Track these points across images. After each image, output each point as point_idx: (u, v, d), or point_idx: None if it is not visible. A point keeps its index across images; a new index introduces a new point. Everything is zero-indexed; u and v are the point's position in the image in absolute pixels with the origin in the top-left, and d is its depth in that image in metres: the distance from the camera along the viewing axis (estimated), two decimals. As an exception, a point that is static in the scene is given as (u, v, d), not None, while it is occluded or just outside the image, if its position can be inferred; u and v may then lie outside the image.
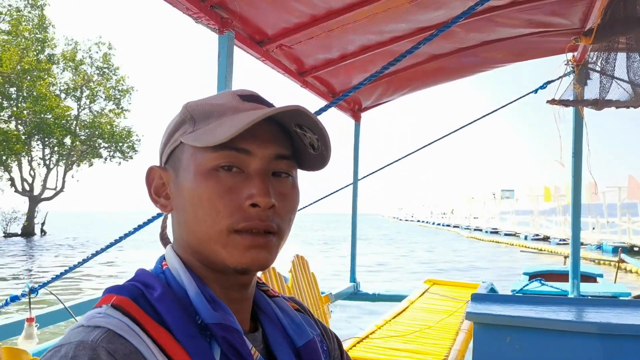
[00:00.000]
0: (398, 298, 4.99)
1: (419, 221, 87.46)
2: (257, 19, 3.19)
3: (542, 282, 5.68)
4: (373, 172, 5.66)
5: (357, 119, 5.65)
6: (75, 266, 3.25)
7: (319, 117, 2.81)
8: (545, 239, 34.29)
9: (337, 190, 5.51)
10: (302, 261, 2.62)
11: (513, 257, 23.37)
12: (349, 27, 3.54)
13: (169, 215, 0.81)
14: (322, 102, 4.63)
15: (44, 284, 3.36)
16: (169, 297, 0.69)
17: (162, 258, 0.78)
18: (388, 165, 5.41)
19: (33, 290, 3.31)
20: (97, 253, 3.12)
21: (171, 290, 0.71)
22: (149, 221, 2.68)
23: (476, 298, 2.92)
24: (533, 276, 6.61)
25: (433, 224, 74.49)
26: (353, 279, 5.64)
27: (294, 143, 0.78)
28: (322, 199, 5.34)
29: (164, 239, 0.87)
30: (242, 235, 0.71)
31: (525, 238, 36.89)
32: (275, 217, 0.73)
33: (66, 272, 3.28)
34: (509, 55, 4.65)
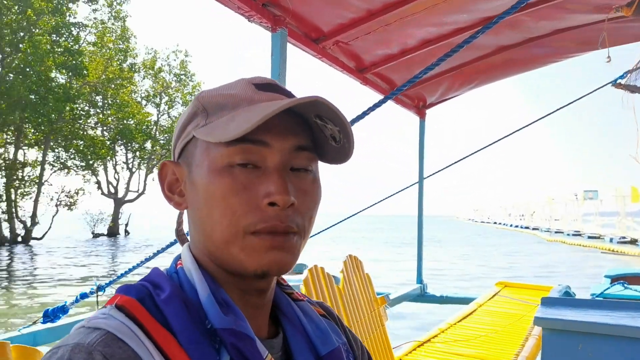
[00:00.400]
0: (466, 301, 4.80)
1: (495, 223, 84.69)
2: (311, 15, 3.15)
3: (625, 285, 5.27)
4: (439, 170, 5.49)
5: (421, 115, 5.50)
6: (138, 265, 3.35)
7: (376, 112, 2.73)
8: (633, 241, 32.22)
9: (402, 189, 5.38)
10: (355, 261, 2.54)
11: (596, 260, 22.11)
12: (408, 20, 3.43)
13: (177, 210, 0.77)
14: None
15: (111, 282, 3.48)
16: (176, 299, 0.65)
17: (178, 257, 0.75)
18: (456, 162, 5.22)
19: (100, 288, 3.44)
20: (159, 252, 3.19)
21: (181, 292, 0.67)
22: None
23: (547, 302, 2.73)
24: (615, 279, 6.15)
25: (511, 226, 71.90)
26: (420, 280, 5.49)
27: (315, 134, 0.72)
28: (387, 198, 5.23)
29: (180, 236, 0.84)
30: (260, 236, 0.66)
31: (611, 241, 34.80)
32: (295, 215, 0.68)
33: (130, 270, 3.39)
34: (583, 44, 4.35)
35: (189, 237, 0.77)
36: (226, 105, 0.70)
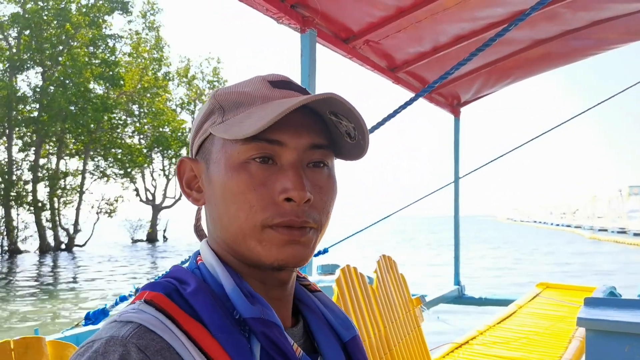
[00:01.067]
0: (506, 302, 4.68)
1: (535, 222, 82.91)
2: (340, 15, 3.13)
3: (675, 285, 5.06)
4: (476, 169, 5.38)
5: (456, 114, 5.41)
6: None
7: (407, 110, 2.68)
8: (683, 238, 31.07)
9: (438, 190, 5.29)
10: (389, 261, 2.50)
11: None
12: (439, 15, 3.37)
13: (203, 207, 0.79)
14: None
15: (149, 286, 3.53)
16: (203, 292, 0.67)
17: (197, 253, 0.76)
18: (493, 160, 5.10)
19: (139, 291, 3.49)
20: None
21: (206, 286, 0.69)
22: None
23: (590, 302, 2.63)
24: (664, 279, 5.92)
25: (552, 224, 70.28)
26: (457, 281, 5.39)
27: (330, 131, 0.73)
28: (422, 198, 5.16)
29: (199, 231, 0.85)
30: (278, 230, 0.67)
31: (659, 238, 33.67)
32: (311, 211, 0.69)
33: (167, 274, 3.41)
34: (625, 34, 4.20)
35: (206, 233, 0.78)
36: (242, 102, 0.71)
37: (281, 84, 0.73)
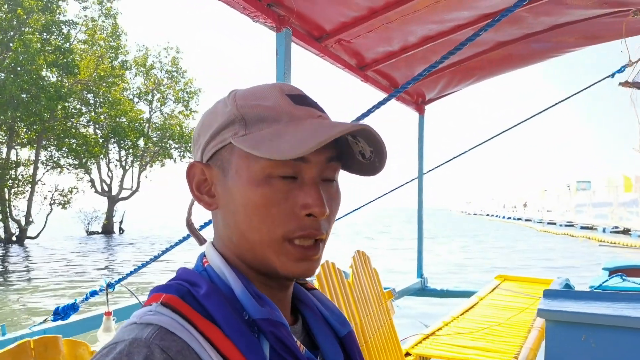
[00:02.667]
0: (467, 294, 4.86)
1: (488, 215, 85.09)
2: (314, 14, 3.18)
3: (624, 277, 5.33)
4: (438, 166, 5.54)
5: (421, 111, 5.54)
6: (147, 263, 3.37)
7: (379, 110, 2.76)
8: (626, 231, 32.53)
9: (401, 185, 5.42)
10: (363, 257, 2.59)
11: (590, 251, 22.28)
12: (409, 17, 3.46)
13: (206, 209, 0.80)
14: (384, 96, 4.55)
15: (120, 280, 3.50)
16: (216, 295, 0.70)
17: (203, 256, 0.79)
18: (455, 157, 5.27)
19: (110, 286, 3.47)
20: (167, 250, 3.21)
21: (217, 288, 0.72)
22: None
23: (549, 294, 2.79)
24: (613, 271, 6.21)
25: (503, 217, 72.28)
26: (420, 274, 5.54)
27: (342, 147, 0.78)
28: (387, 193, 5.28)
29: (190, 225, 0.88)
30: (295, 246, 0.72)
31: (604, 231, 35.13)
32: (325, 222, 0.74)
33: (139, 268, 3.41)
34: (582, 38, 4.40)
35: (214, 236, 0.80)
36: (266, 117, 0.72)
37: (300, 99, 0.75)
